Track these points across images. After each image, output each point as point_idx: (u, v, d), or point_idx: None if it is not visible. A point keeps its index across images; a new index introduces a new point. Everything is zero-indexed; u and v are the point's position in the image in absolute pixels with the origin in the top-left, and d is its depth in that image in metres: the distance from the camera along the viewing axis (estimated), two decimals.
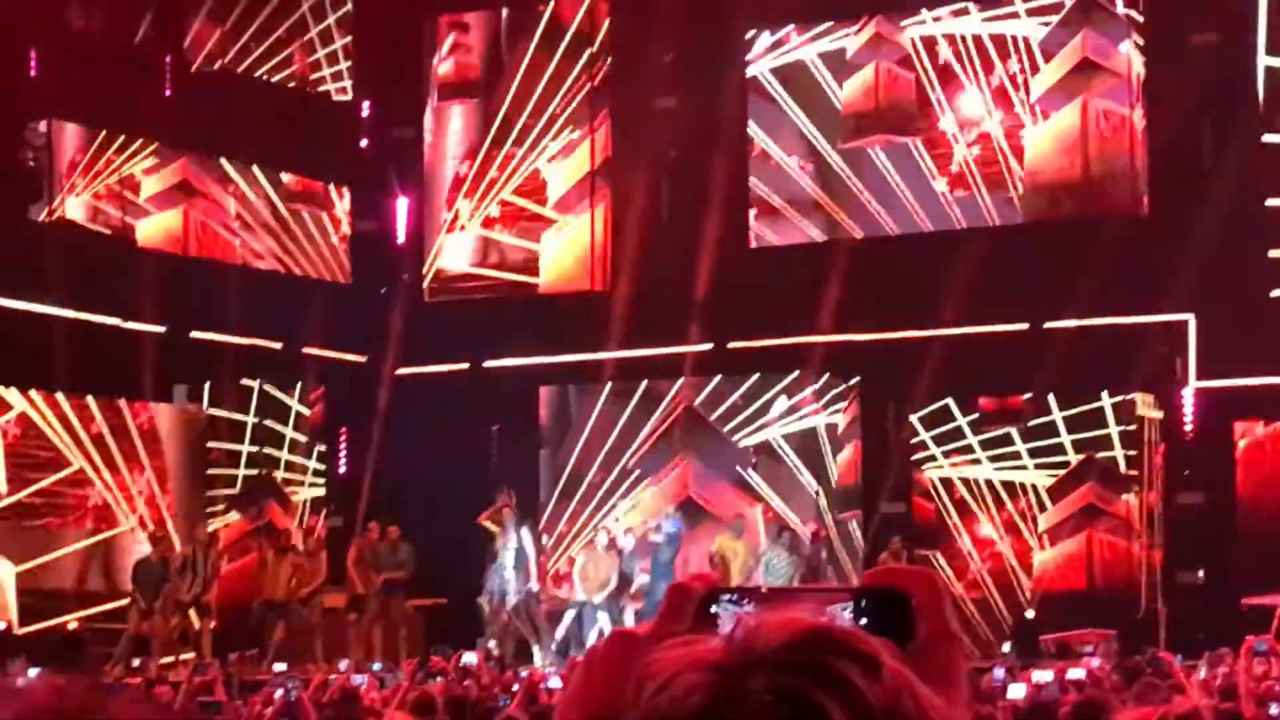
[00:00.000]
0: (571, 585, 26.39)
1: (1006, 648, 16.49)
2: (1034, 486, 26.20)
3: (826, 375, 27.03)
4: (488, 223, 30.26)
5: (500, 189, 30.00)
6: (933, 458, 26.72)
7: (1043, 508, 26.18)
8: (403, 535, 25.80)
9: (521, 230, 30.03)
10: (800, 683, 1.45)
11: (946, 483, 26.70)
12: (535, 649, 25.56)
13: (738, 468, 27.37)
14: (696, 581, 1.69)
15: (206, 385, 27.48)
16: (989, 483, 26.45)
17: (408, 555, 25.65)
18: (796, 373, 26.99)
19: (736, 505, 26.99)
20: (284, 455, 28.42)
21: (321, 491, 28.83)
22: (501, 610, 25.79)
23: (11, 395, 24.83)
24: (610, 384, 28.03)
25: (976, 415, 26.58)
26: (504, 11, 30.25)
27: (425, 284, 30.17)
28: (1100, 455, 25.89)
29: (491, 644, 24.52)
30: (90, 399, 25.68)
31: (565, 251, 29.69)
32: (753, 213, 28.54)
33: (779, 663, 1.46)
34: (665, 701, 1.47)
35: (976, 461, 26.50)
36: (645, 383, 27.92)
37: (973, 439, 26.53)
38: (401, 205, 30.36)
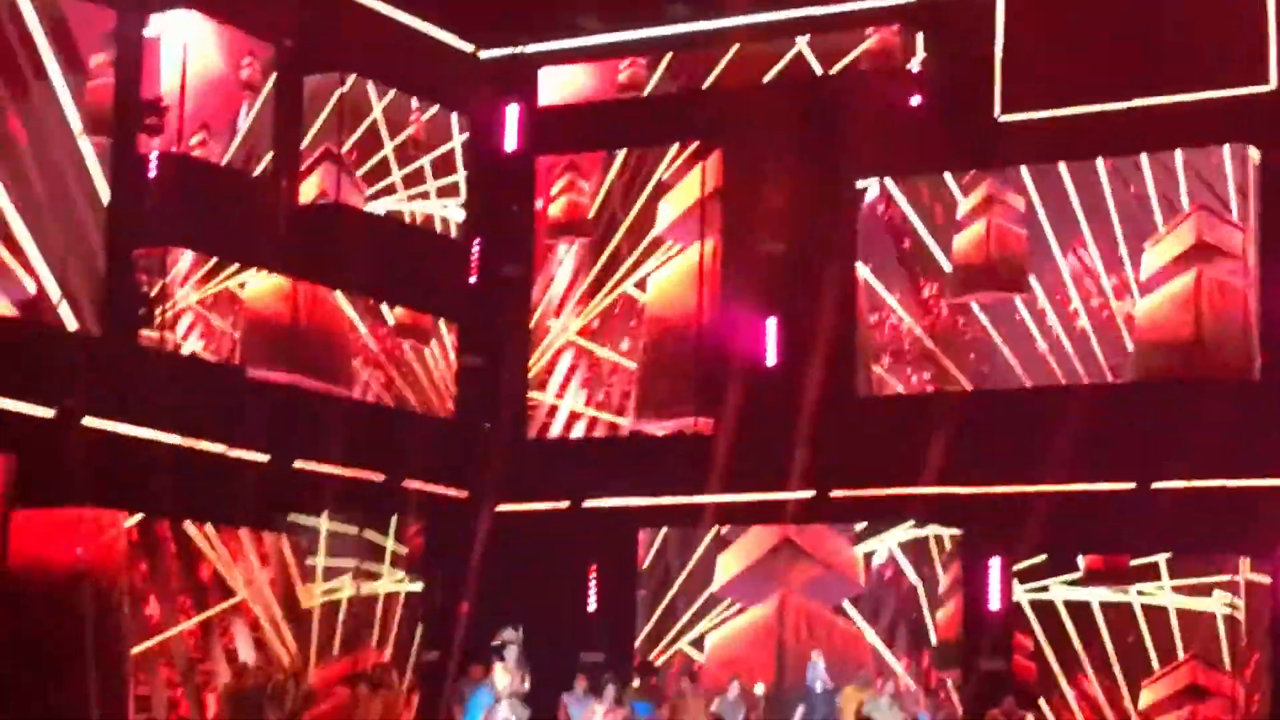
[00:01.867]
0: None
1: None
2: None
3: (929, 526, 26.83)
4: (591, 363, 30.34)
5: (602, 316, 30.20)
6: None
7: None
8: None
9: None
10: None
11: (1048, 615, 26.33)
12: None
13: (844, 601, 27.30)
14: None
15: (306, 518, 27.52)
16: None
17: None
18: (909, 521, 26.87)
19: (836, 636, 26.95)
20: (381, 589, 28.38)
21: (418, 627, 28.74)
22: None
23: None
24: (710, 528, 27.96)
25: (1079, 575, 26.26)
26: (618, 154, 30.39)
27: (528, 420, 30.23)
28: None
29: None
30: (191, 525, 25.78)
31: (665, 377, 29.69)
32: (868, 355, 28.41)
33: None
34: None
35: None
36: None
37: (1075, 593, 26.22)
38: (506, 340, 30.44)
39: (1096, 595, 26.16)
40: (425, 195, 30.17)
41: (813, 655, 26.14)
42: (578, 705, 25.20)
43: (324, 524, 27.74)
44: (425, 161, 30.15)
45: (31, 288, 24.19)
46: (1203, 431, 24.18)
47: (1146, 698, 25.85)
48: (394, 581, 28.52)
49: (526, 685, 25.27)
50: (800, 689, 26.51)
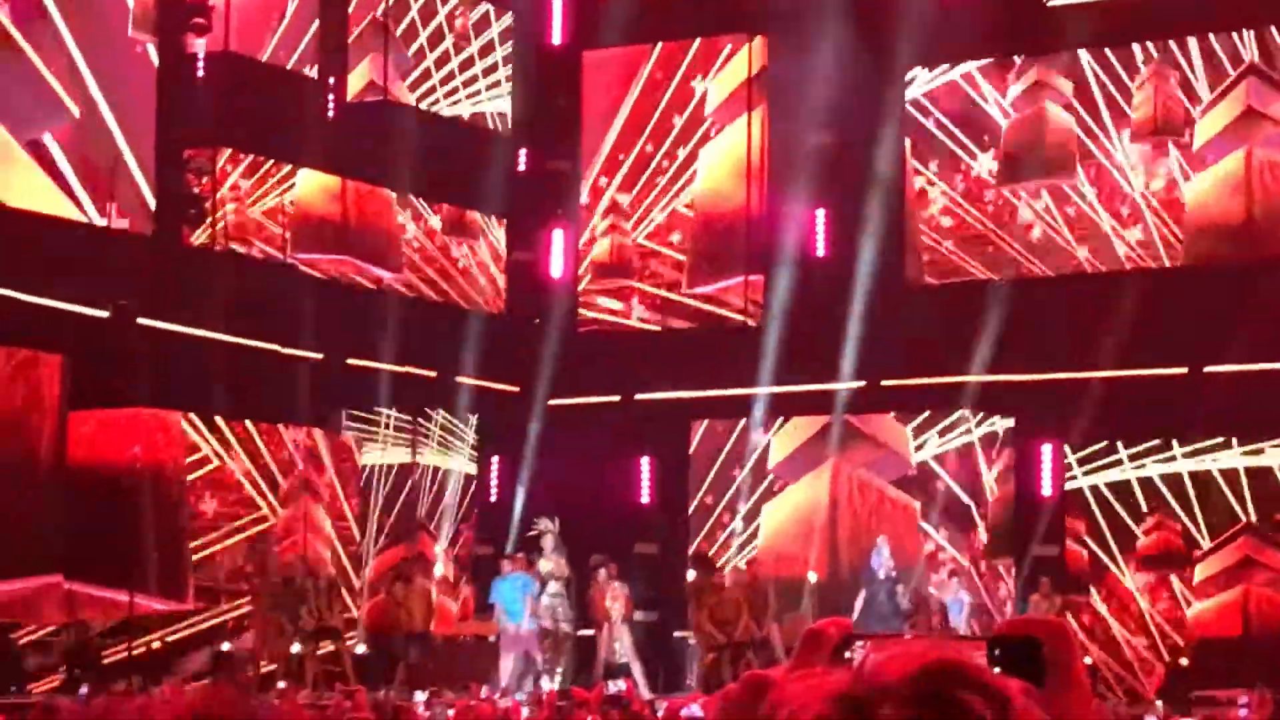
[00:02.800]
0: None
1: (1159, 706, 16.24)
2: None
3: (981, 415, 26.88)
4: (640, 252, 30.39)
5: (649, 212, 30.17)
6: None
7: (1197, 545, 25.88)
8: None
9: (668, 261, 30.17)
10: (927, 714, 1.44)
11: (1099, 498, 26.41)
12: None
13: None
14: (832, 626, 1.70)
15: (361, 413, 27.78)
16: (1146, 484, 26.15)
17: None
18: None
19: (885, 514, 27.14)
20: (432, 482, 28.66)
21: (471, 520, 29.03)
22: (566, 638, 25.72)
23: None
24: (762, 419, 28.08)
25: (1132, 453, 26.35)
26: (658, 45, 30.29)
27: (578, 315, 30.35)
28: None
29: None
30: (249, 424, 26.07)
31: (714, 265, 29.78)
32: (917, 244, 28.40)
33: (906, 695, 1.45)
34: None
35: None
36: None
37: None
38: (556, 236, 30.49)
39: (1149, 472, 26.29)
40: (473, 92, 30.18)
41: (878, 541, 26.25)
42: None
43: (378, 420, 28.03)
44: (472, 54, 30.13)
45: (83, 187, 24.39)
46: (1255, 315, 24.10)
47: (1200, 573, 25.92)
48: (447, 473, 28.79)
49: (567, 571, 25.60)
50: (854, 577, 26.70)
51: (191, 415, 25.42)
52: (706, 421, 29.03)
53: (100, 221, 24.45)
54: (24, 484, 23.20)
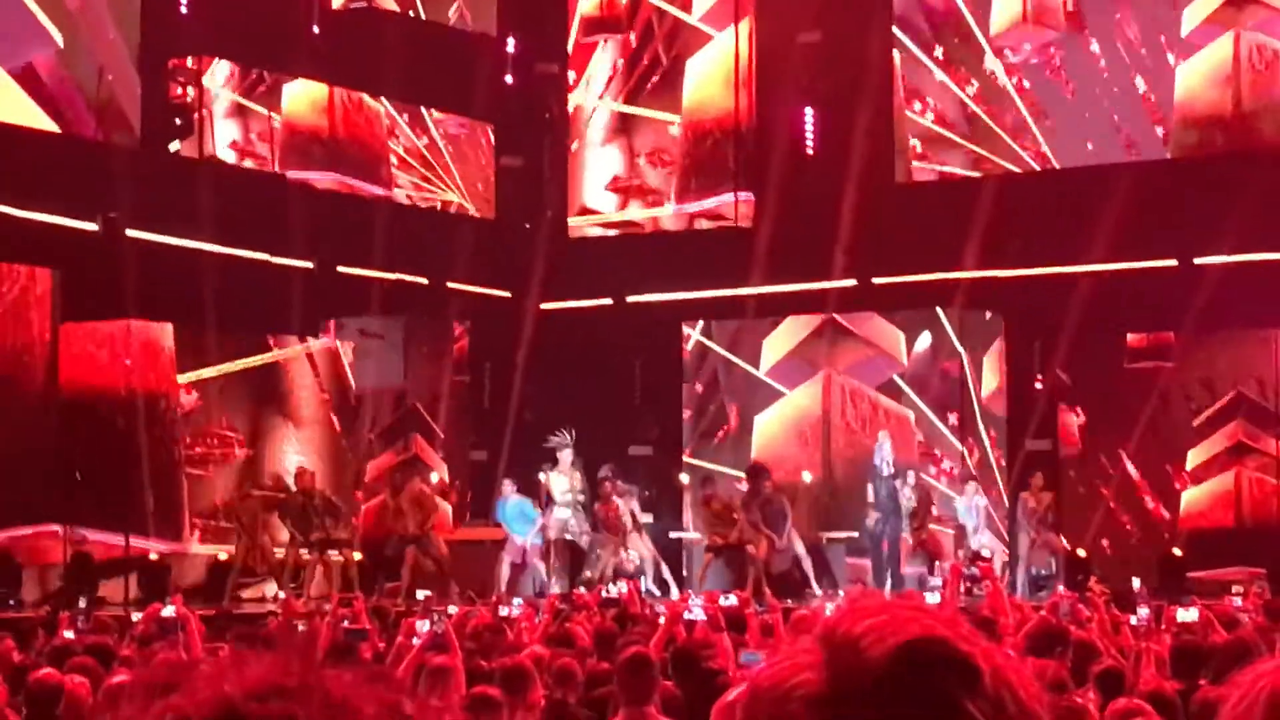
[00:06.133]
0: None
1: (1136, 583, 16.24)
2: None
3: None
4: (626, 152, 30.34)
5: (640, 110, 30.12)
6: None
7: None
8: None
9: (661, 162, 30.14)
10: (907, 713, 1.45)
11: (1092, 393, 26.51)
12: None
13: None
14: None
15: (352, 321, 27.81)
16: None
17: None
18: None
19: (879, 423, 27.23)
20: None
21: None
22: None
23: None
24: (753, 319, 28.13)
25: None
26: None
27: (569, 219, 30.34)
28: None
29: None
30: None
31: (705, 167, 29.71)
32: (906, 144, 28.35)
33: (882, 696, 1.46)
34: None
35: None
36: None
37: None
38: (546, 141, 30.41)
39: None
40: None
41: (879, 436, 26.40)
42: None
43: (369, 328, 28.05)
44: None
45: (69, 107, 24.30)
46: (1245, 205, 24.07)
47: (1193, 458, 26.02)
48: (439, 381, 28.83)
49: (584, 493, 25.73)
50: (848, 480, 26.83)
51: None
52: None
53: (87, 136, 24.38)
54: (17, 409, 23.12)
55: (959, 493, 25.96)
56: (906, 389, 27.60)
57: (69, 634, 13.89)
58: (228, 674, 1.31)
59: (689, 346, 29.14)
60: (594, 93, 30.66)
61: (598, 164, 30.56)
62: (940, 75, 28.36)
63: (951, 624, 1.50)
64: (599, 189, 30.55)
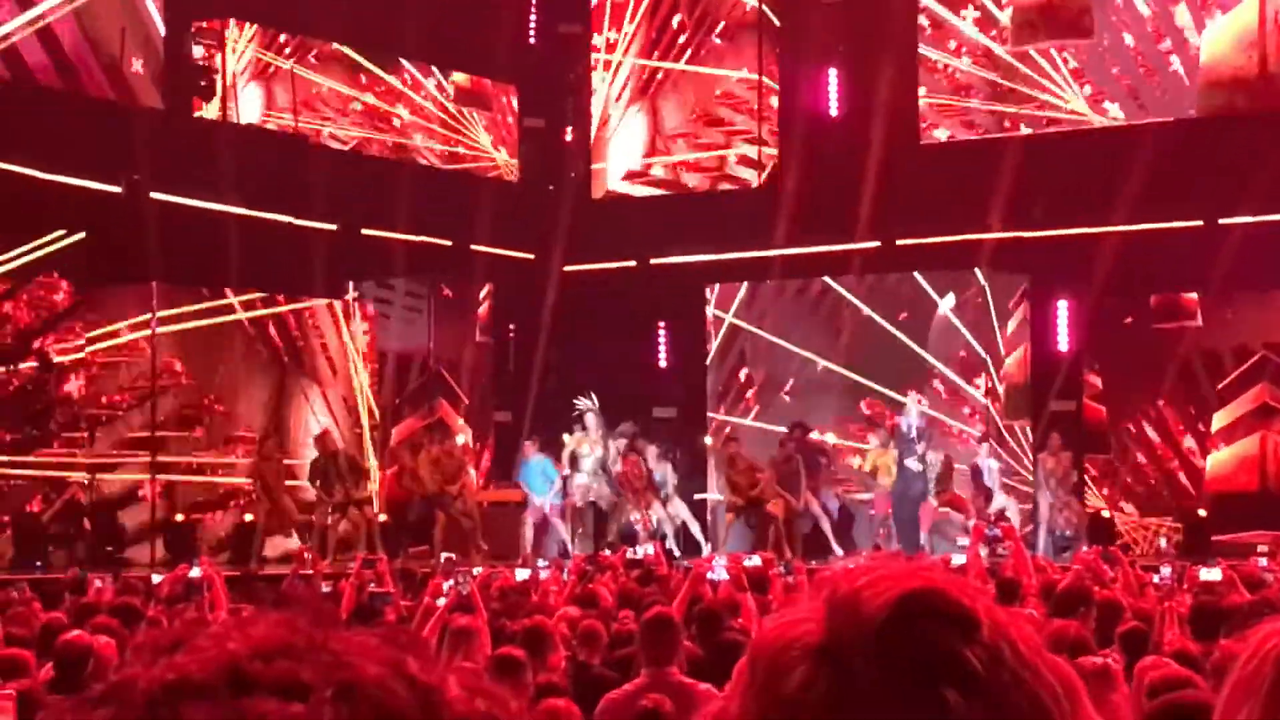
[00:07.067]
0: None
1: (1163, 543, 16.17)
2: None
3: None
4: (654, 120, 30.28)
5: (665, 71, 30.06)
6: None
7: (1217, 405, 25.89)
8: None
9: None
10: (898, 659, 1.46)
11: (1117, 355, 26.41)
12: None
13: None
14: None
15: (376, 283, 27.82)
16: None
17: None
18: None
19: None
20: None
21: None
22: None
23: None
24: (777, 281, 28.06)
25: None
26: None
27: (593, 181, 30.30)
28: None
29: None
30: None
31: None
32: (923, 107, 28.26)
33: (880, 646, 1.46)
34: (787, 692, 1.49)
35: None
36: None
37: None
38: (569, 102, 30.37)
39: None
40: None
41: (909, 394, 26.29)
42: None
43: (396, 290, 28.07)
44: None
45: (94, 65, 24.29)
46: (1270, 166, 23.98)
47: (1219, 421, 25.95)
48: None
49: (612, 458, 25.76)
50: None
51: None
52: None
53: (109, 98, 24.38)
54: None
55: (975, 455, 25.87)
56: (929, 357, 27.41)
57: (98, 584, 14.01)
58: (234, 633, 1.31)
59: (720, 331, 28.78)
60: (622, 54, 30.53)
61: (627, 128, 30.46)
62: (972, 31, 28.14)
63: (951, 577, 1.51)
64: (630, 152, 30.44)
